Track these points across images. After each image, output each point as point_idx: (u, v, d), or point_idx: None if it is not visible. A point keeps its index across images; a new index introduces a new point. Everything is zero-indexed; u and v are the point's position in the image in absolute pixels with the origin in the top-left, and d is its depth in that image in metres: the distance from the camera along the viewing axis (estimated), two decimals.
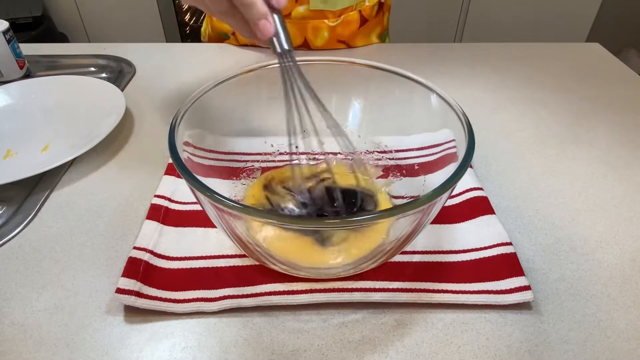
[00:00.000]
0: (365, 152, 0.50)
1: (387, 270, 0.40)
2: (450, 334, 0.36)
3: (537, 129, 0.61)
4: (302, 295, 0.38)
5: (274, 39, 0.40)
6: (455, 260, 0.42)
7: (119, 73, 0.76)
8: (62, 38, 1.90)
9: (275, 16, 0.40)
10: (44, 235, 0.45)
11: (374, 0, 0.79)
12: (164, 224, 0.45)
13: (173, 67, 0.78)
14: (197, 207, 0.47)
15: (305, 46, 0.80)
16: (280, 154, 0.50)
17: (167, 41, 1.95)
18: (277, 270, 0.39)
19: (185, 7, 2.10)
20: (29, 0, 1.78)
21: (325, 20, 0.77)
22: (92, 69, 0.79)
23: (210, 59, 0.80)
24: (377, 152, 0.50)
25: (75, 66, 0.79)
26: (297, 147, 0.45)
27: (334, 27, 0.78)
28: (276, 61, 0.46)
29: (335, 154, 0.51)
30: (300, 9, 0.76)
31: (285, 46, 0.41)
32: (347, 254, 0.40)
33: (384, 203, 0.45)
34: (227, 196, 0.31)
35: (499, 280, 0.39)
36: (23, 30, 1.70)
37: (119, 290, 0.37)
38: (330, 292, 0.39)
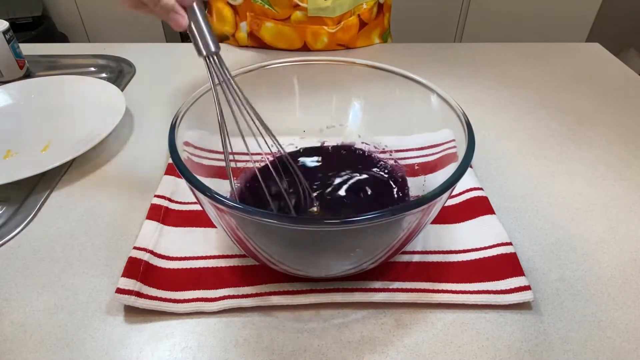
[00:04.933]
0: (366, 153, 0.50)
1: (387, 270, 0.40)
2: (450, 334, 0.36)
3: (537, 129, 0.61)
4: (302, 295, 0.38)
5: (199, 42, 0.37)
6: (455, 260, 0.42)
7: (119, 73, 0.76)
8: (62, 38, 1.90)
9: (197, 10, 0.37)
10: (44, 235, 0.45)
11: (372, 1, 0.79)
12: (164, 224, 0.45)
13: (173, 67, 0.78)
14: (197, 207, 0.47)
15: (305, 50, 0.80)
16: (280, 153, 0.50)
17: (167, 41, 1.95)
18: (277, 270, 0.39)
19: None
20: (29, 0, 1.78)
21: (325, 27, 0.77)
22: (92, 69, 0.79)
23: None
24: (377, 152, 0.50)
25: (75, 66, 0.79)
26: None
27: (333, 33, 0.77)
28: (276, 61, 0.46)
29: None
30: (299, 14, 0.75)
31: (212, 48, 0.37)
32: None
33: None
34: (227, 196, 0.31)
35: (499, 280, 0.39)
36: (23, 30, 1.69)
37: (119, 290, 0.37)
38: (330, 292, 0.39)
